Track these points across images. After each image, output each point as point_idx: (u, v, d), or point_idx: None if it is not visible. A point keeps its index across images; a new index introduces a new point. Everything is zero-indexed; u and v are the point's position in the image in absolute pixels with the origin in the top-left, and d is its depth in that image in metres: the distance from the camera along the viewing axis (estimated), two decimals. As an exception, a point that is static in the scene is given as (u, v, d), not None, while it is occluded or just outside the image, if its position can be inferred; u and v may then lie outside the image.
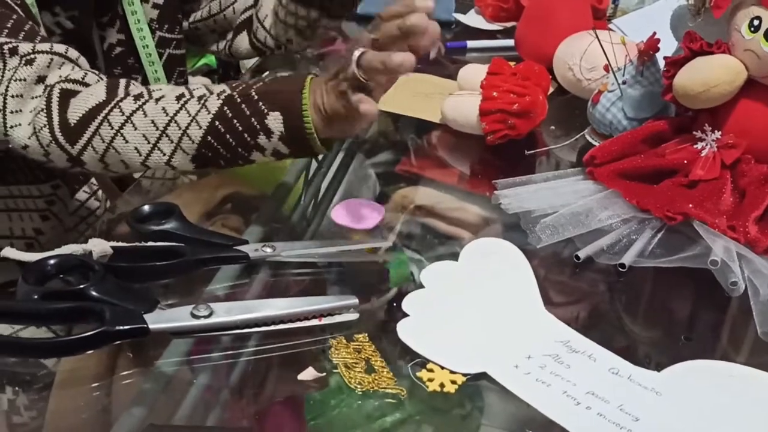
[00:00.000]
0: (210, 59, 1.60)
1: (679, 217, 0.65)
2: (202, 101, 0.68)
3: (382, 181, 0.87)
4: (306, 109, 0.65)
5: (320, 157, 0.87)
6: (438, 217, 0.74)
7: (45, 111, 0.67)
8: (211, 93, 0.68)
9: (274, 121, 0.66)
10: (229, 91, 0.68)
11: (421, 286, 0.62)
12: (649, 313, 0.64)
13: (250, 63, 1.14)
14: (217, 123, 0.66)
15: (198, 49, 1.10)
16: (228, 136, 0.66)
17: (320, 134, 0.66)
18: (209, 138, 0.67)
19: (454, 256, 0.66)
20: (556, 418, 0.50)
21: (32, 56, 0.68)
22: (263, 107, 0.66)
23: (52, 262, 0.57)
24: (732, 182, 0.68)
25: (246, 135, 0.66)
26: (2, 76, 0.68)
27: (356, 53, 0.62)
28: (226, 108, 0.67)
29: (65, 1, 0.79)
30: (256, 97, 0.67)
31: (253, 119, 0.66)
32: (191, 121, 0.67)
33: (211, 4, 0.94)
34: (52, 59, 0.69)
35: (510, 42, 1.03)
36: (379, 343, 0.56)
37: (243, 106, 0.67)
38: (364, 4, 1.19)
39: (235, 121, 0.66)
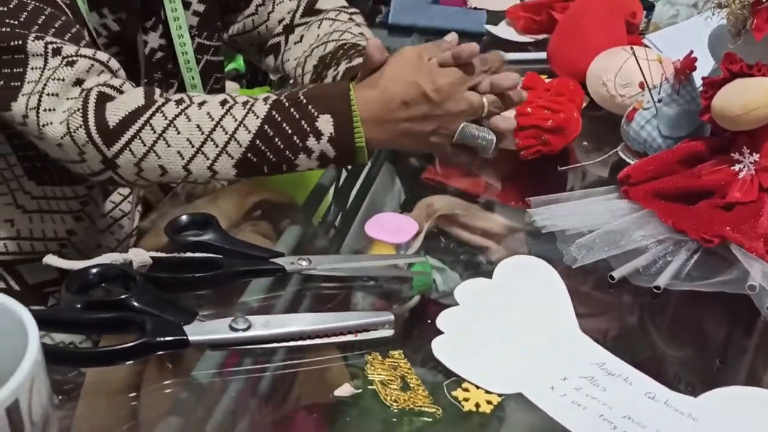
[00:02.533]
0: (239, 64, 1.61)
1: (716, 239, 0.65)
2: (248, 106, 0.69)
3: (407, 189, 0.87)
4: (355, 110, 0.68)
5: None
6: (462, 226, 0.74)
7: (81, 111, 0.68)
8: (256, 99, 0.70)
9: (325, 123, 0.68)
10: (275, 97, 0.70)
11: (443, 297, 0.62)
12: (684, 336, 0.63)
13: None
14: (266, 127, 0.68)
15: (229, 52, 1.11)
16: (277, 139, 0.68)
17: (370, 143, 0.70)
18: (257, 142, 0.68)
19: (477, 265, 0.66)
20: (592, 441, 0.51)
21: (74, 58, 0.69)
22: (313, 110, 0.68)
23: (94, 271, 0.57)
24: (770, 206, 0.67)
25: (295, 137, 0.68)
26: (41, 75, 0.68)
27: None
28: (274, 112, 0.68)
29: (113, 3, 0.80)
30: (304, 101, 0.69)
31: (303, 122, 0.68)
32: (239, 125, 0.68)
33: (246, 21, 0.94)
34: (93, 65, 0.70)
35: (542, 55, 1.03)
36: (413, 361, 0.57)
37: (292, 110, 0.68)
38: (394, 13, 1.20)
39: (285, 124, 0.68)
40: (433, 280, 0.66)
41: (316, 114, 0.68)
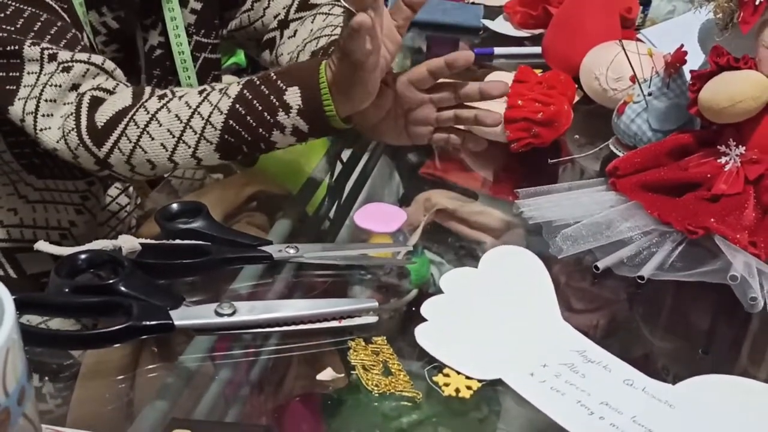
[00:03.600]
0: (239, 58, 1.62)
1: (701, 231, 0.65)
2: (223, 91, 0.70)
3: (405, 183, 0.88)
4: (323, 80, 0.67)
5: (345, 158, 0.89)
6: (459, 220, 0.74)
7: (74, 115, 0.70)
8: (231, 83, 0.70)
9: (292, 95, 0.67)
10: (248, 77, 0.70)
11: (440, 292, 0.63)
12: (666, 325, 0.64)
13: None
14: (237, 106, 0.68)
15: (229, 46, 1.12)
16: (249, 117, 0.68)
17: (339, 109, 0.68)
18: (231, 122, 0.68)
19: (475, 260, 0.67)
20: (569, 427, 0.51)
21: (70, 64, 0.70)
22: (281, 84, 0.68)
23: (83, 256, 0.58)
24: (755, 198, 0.67)
25: (266, 113, 0.68)
26: (37, 80, 0.70)
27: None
28: (245, 91, 0.69)
29: (112, 1, 0.81)
30: (275, 77, 0.69)
31: (272, 97, 0.68)
32: (213, 109, 0.69)
33: (243, 17, 0.95)
34: (88, 69, 0.71)
35: (537, 49, 1.03)
36: (396, 347, 0.58)
37: (262, 87, 0.68)
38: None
39: (255, 101, 0.68)
40: (431, 274, 0.67)
41: (284, 87, 0.68)
